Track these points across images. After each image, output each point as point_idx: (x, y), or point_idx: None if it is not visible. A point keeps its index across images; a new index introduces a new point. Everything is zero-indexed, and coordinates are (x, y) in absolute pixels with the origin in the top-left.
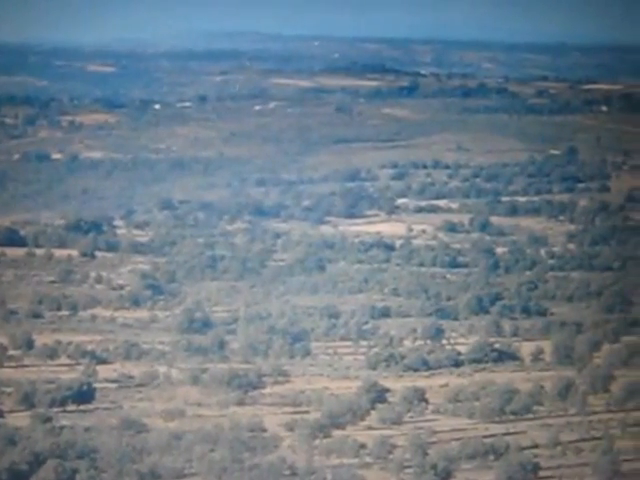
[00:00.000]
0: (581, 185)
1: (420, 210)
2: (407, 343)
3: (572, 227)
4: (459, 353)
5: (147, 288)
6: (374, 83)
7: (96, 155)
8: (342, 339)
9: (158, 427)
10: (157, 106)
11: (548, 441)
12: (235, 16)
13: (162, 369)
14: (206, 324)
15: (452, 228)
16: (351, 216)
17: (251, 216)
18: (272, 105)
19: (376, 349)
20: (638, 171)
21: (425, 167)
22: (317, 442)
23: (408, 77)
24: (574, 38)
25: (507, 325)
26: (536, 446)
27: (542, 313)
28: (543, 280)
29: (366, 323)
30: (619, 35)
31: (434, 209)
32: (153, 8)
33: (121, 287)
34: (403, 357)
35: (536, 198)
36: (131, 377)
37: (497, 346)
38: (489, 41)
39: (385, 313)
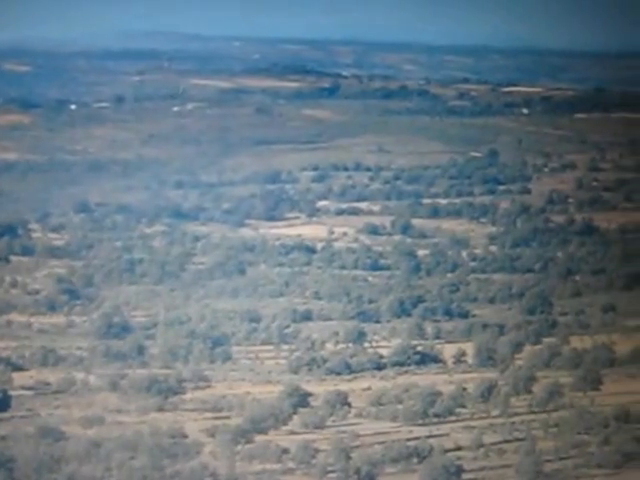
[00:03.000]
0: (502, 187)
1: (341, 212)
2: (329, 346)
3: (493, 229)
4: (381, 356)
5: (64, 293)
6: (295, 84)
7: (10, 156)
8: (263, 343)
9: (76, 435)
10: (73, 106)
11: (471, 443)
12: (153, 15)
13: (80, 375)
14: (124, 329)
15: (373, 230)
16: (271, 219)
17: (170, 219)
18: (191, 106)
19: (298, 353)
20: (559, 173)
21: (346, 169)
22: (239, 448)
23: (329, 78)
24: (495, 41)
25: (429, 327)
26: (459, 448)
27: (464, 315)
28: (465, 282)
29: (287, 327)
30: (539, 38)
31: (355, 211)
32: (69, 6)
33: (37, 292)
34: (325, 361)
35: (457, 200)
36: (48, 384)
37: (419, 349)
38: (410, 43)
39: (306, 316)
